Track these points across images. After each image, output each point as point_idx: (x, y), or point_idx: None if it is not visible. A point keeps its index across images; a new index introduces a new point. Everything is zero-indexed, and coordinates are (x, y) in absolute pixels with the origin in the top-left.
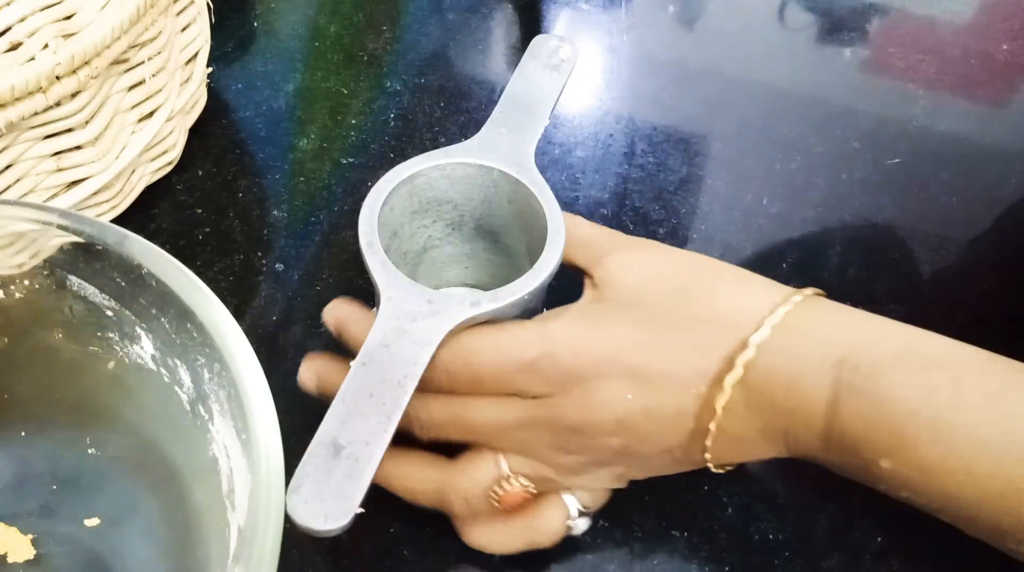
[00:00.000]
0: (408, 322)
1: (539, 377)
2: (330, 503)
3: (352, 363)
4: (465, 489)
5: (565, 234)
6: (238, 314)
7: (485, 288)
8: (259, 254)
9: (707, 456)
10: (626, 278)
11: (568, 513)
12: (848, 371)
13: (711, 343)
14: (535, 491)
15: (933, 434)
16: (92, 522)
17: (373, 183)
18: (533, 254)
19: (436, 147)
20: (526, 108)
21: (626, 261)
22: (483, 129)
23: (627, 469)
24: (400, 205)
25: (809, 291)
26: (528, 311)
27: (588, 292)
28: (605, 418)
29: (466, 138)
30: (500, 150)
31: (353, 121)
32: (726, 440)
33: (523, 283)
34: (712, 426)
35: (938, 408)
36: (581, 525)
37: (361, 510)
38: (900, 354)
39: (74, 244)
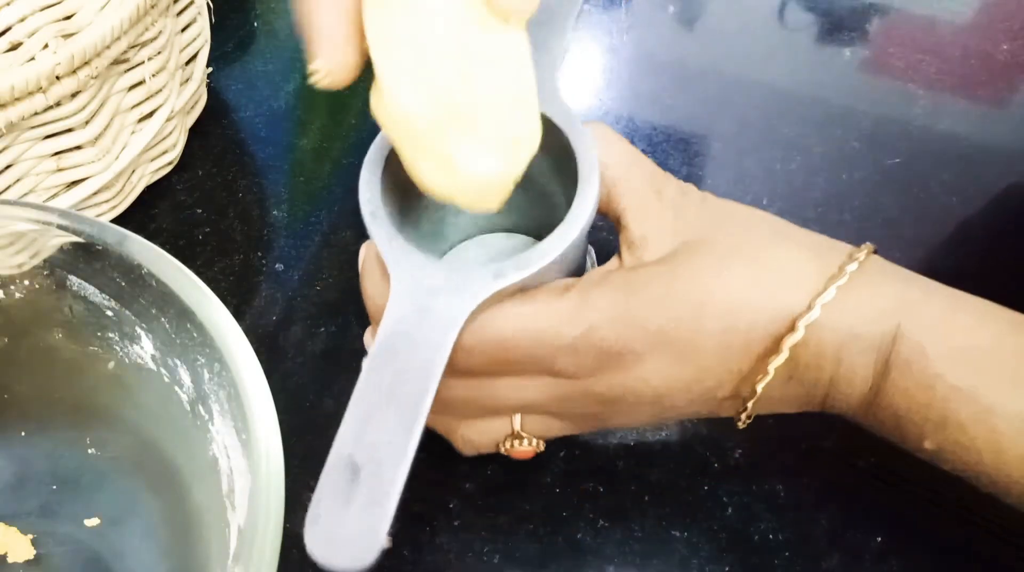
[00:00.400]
0: (423, 305)
1: (579, 358)
2: (353, 539)
3: (363, 362)
4: (474, 440)
5: (598, 171)
6: (238, 314)
7: (522, 232)
8: (259, 254)
9: (738, 421)
10: (664, 240)
11: None
12: (899, 348)
13: (758, 320)
14: (543, 448)
15: (991, 419)
16: (92, 522)
17: None
18: (568, 194)
19: None
20: (543, 23)
21: (665, 219)
22: None
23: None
24: None
25: (863, 254)
26: (562, 270)
27: (625, 253)
28: (643, 393)
29: None
30: None
31: (353, 121)
32: (761, 404)
33: (551, 245)
34: (750, 405)
35: (997, 393)
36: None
37: (388, 544)
38: (961, 329)
39: (74, 244)
